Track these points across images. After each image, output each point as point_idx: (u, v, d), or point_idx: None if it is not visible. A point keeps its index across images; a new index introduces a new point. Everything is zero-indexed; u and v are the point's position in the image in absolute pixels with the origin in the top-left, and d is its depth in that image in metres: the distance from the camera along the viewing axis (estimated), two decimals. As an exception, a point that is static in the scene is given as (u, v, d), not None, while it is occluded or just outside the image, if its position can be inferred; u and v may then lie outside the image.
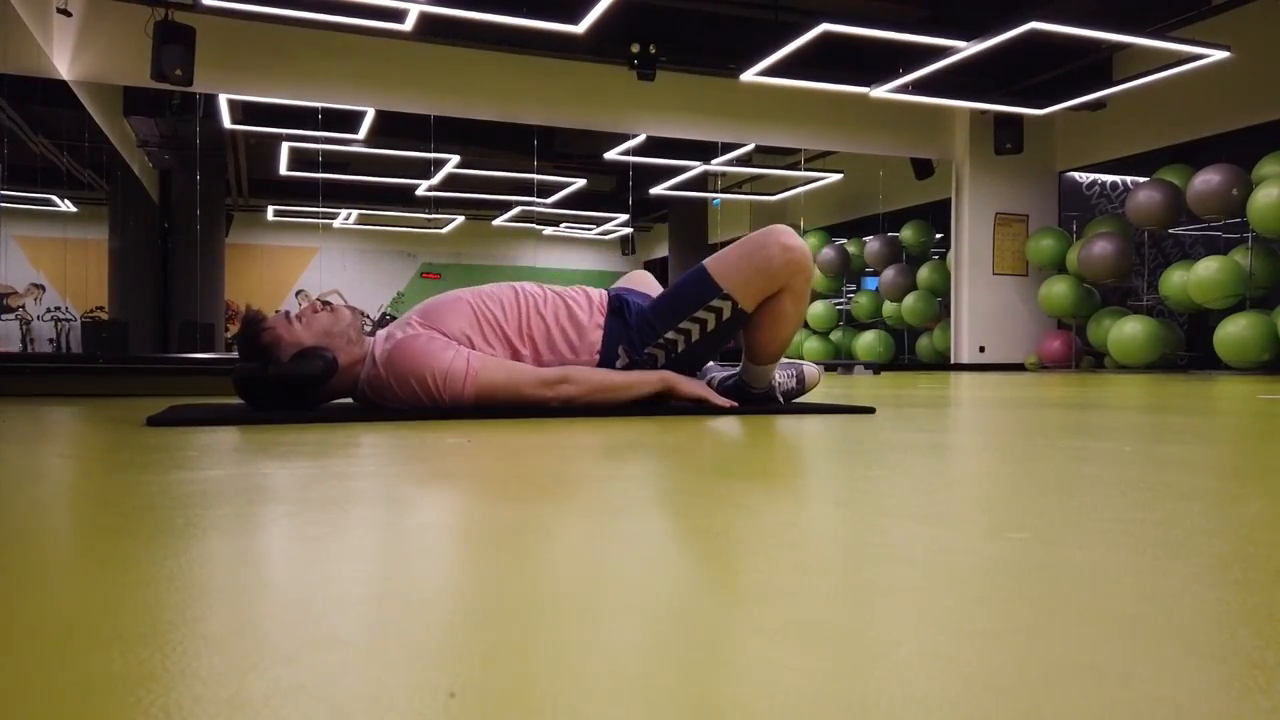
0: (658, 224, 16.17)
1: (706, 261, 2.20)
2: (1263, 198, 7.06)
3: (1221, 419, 2.25)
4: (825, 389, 2.82)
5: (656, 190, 11.91)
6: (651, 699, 0.37)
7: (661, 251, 16.48)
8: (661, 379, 2.16)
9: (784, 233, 2.13)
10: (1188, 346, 8.68)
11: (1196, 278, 7.61)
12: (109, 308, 10.03)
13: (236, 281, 13.78)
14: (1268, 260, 7.48)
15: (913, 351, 11.25)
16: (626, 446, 1.48)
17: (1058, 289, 9.14)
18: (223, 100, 8.38)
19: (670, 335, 2.18)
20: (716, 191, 13.26)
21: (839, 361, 10.54)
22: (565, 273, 16.60)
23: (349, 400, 2.17)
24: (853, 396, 3.19)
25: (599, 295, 2.24)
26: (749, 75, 7.43)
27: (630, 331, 2.18)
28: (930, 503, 0.92)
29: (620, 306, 2.21)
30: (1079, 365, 9.24)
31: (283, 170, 11.12)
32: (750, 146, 9.92)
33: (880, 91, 7.85)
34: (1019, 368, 9.68)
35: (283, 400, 2.01)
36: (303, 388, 2.00)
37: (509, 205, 13.89)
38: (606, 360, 2.17)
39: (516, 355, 2.13)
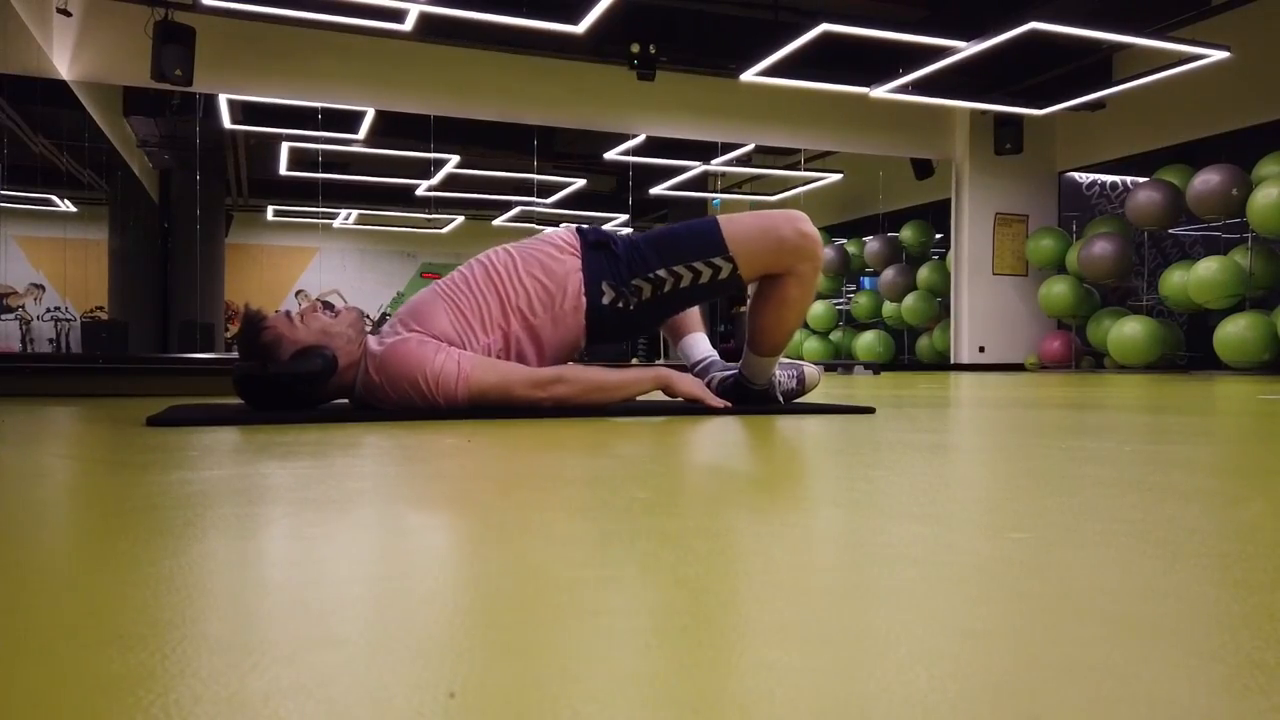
0: (658, 224, 16.16)
1: (721, 218, 2.15)
2: (1263, 198, 7.06)
3: (1221, 419, 2.25)
4: (825, 389, 2.82)
5: (656, 190, 11.90)
6: (651, 699, 0.37)
7: (661, 251, 16.43)
8: (657, 376, 2.15)
9: (801, 218, 2.12)
10: (1188, 346, 8.68)
11: (1196, 278, 7.60)
12: (109, 308, 10.02)
13: (236, 281, 13.76)
14: (1268, 260, 7.48)
15: (913, 352, 11.25)
16: (625, 446, 1.47)
17: (1058, 289, 9.14)
18: (223, 100, 8.37)
19: (662, 273, 2.11)
20: (716, 191, 13.26)
21: (839, 361, 10.54)
22: (565, 273, 16.55)
23: (346, 401, 2.17)
24: (853, 396, 3.19)
25: (567, 234, 2.17)
26: (749, 75, 7.43)
27: (619, 263, 2.11)
28: (930, 503, 0.92)
29: (603, 240, 2.14)
30: (1079, 365, 9.24)
31: (283, 170, 11.12)
32: (750, 146, 9.91)
33: (880, 91, 7.85)
34: (1019, 368, 9.68)
35: (282, 399, 2.01)
36: (302, 386, 2.00)
37: (509, 205, 13.89)
38: (592, 301, 2.10)
39: (506, 332, 2.09)
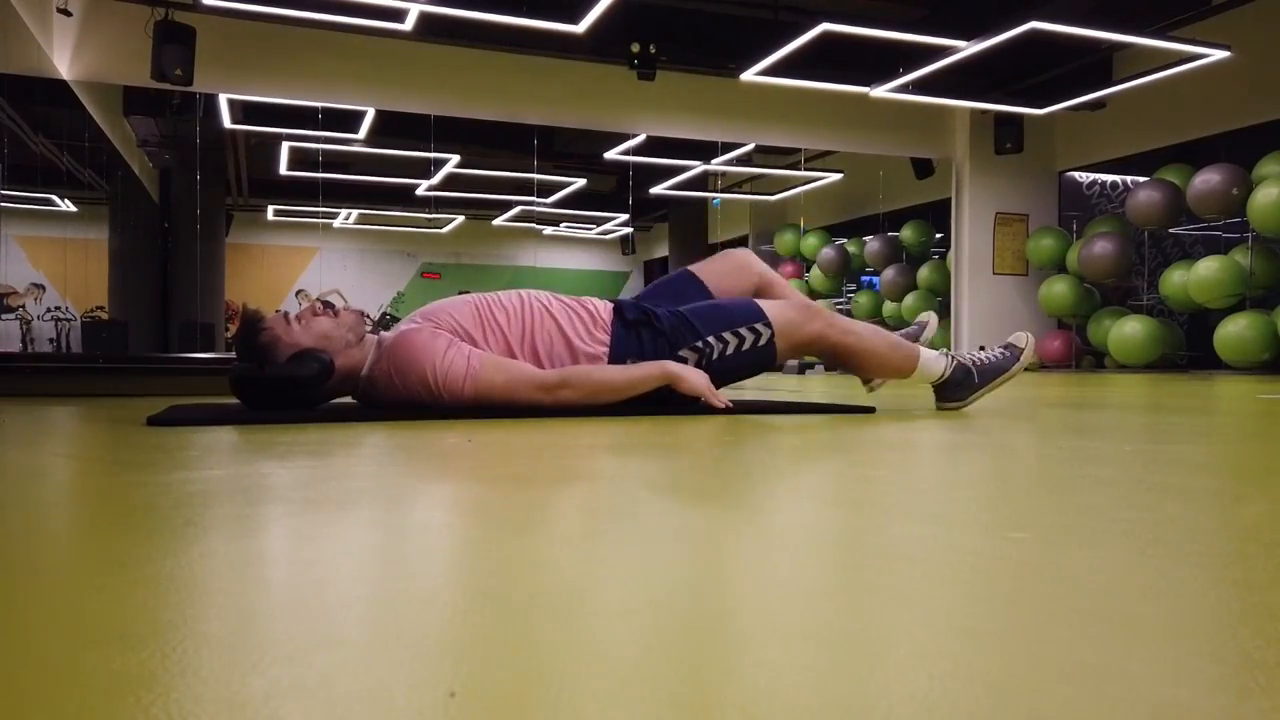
0: (658, 224, 16.16)
1: (760, 302, 2.29)
2: (1263, 197, 7.06)
3: (1221, 419, 2.25)
4: (825, 389, 2.82)
5: (656, 190, 11.90)
6: (651, 699, 0.37)
7: (662, 251, 16.45)
8: (663, 373, 2.11)
9: (804, 312, 2.27)
10: (1188, 346, 8.68)
11: (1196, 277, 7.60)
12: (109, 308, 10.03)
13: (236, 281, 13.77)
14: (1268, 260, 7.48)
15: (913, 351, 11.23)
16: (627, 446, 1.47)
17: (1058, 289, 9.13)
18: (223, 100, 8.37)
19: (711, 340, 2.20)
20: (716, 191, 13.25)
21: (839, 361, 10.52)
22: (565, 272, 16.60)
23: (349, 399, 2.17)
24: (853, 396, 3.19)
25: (604, 308, 2.22)
26: (749, 75, 7.43)
27: (661, 339, 2.18)
28: (930, 503, 0.92)
29: (644, 318, 2.19)
30: (1079, 365, 9.24)
31: (283, 170, 11.12)
32: (750, 146, 9.91)
33: (880, 91, 7.85)
34: (1019, 367, 9.67)
35: (278, 401, 2.01)
36: (298, 389, 2.00)
37: (509, 205, 13.89)
38: None
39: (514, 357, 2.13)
